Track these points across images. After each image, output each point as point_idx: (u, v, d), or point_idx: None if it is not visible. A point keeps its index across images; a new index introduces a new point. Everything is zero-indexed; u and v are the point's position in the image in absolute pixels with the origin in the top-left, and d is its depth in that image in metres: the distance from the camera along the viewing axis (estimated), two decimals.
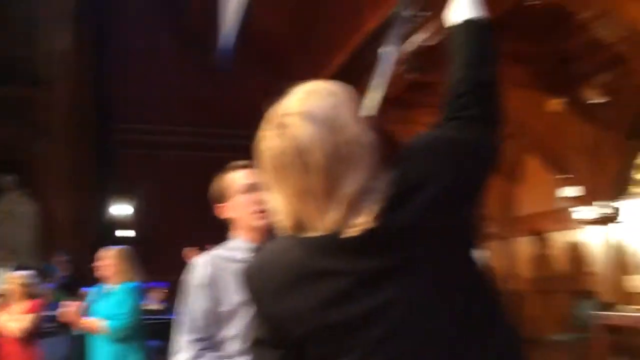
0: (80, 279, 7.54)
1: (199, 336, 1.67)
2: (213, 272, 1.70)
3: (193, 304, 1.70)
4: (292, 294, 0.94)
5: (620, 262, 6.18)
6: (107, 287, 3.62)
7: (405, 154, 0.96)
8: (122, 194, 9.57)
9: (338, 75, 6.79)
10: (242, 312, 1.63)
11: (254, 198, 1.71)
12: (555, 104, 6.69)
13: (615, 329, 5.97)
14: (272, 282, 0.97)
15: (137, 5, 9.70)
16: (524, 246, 7.87)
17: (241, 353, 1.61)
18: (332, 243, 0.91)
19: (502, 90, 1.08)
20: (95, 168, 9.26)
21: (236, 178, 1.78)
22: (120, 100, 9.50)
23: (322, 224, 0.91)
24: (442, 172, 0.93)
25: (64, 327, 3.57)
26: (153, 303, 5.83)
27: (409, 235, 0.90)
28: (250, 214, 1.72)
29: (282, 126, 0.93)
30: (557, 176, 6.59)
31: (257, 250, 1.69)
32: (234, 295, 1.65)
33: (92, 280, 4.02)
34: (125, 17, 9.65)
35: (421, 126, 7.83)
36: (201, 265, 1.73)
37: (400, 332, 0.91)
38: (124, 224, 9.59)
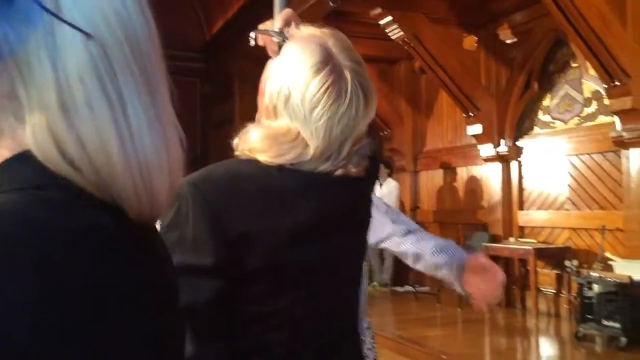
0: None
1: None
2: None
3: None
4: (264, 214, 0.90)
5: (514, 198, 6.60)
6: None
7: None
8: None
9: None
10: None
11: None
12: (470, 41, 6.81)
13: (501, 259, 6.48)
14: (240, 196, 0.91)
15: None
16: (429, 179, 8.21)
17: None
18: (321, 180, 0.93)
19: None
20: None
21: None
22: None
23: (317, 161, 0.93)
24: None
25: None
26: None
27: (363, 200, 1.05)
28: None
29: (340, 75, 0.93)
30: (465, 113, 6.80)
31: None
32: None
33: None
34: None
35: None
36: None
37: (336, 284, 0.98)
38: None
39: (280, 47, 1.17)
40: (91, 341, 0.41)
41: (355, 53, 0.97)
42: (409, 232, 1.57)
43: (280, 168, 0.91)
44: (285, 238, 0.90)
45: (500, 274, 1.40)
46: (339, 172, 0.93)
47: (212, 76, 9.94)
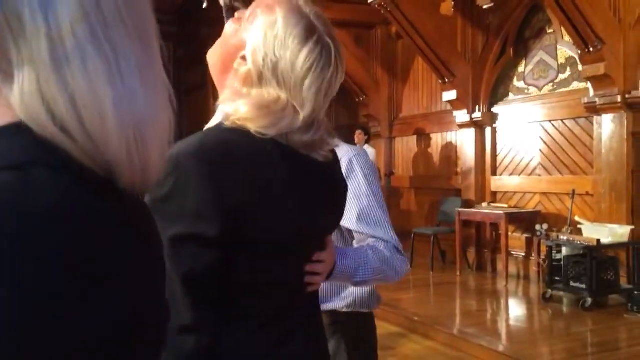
0: None
1: None
2: None
3: None
4: (258, 188, 0.91)
5: (487, 164, 6.67)
6: None
7: None
8: None
9: None
10: None
11: None
12: (447, 6, 6.76)
13: (474, 224, 6.59)
14: (235, 168, 0.90)
15: None
16: (404, 145, 8.23)
17: None
18: (311, 161, 0.96)
19: None
20: None
21: None
22: None
23: (303, 129, 0.94)
24: None
25: None
26: None
27: (342, 180, 1.12)
28: None
29: (325, 44, 0.94)
30: (441, 79, 6.80)
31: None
32: None
33: None
34: None
35: None
36: None
37: (311, 258, 1.02)
38: None
39: (229, 8, 1.13)
40: (68, 322, 0.40)
41: (327, 19, 0.98)
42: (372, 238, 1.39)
43: (271, 141, 0.91)
44: (279, 212, 0.92)
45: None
46: (325, 149, 0.98)
47: (185, 40, 9.72)
